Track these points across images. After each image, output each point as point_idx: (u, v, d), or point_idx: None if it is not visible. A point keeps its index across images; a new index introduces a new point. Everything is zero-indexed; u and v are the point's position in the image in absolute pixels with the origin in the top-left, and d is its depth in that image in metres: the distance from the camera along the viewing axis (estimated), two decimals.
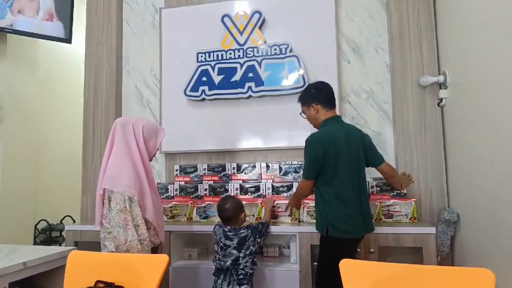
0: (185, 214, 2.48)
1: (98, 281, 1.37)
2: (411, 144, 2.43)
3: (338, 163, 1.80)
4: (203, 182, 2.64)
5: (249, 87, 2.67)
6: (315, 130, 2.01)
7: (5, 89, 3.24)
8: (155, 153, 1.88)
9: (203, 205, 2.48)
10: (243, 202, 2.34)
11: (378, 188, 2.35)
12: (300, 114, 2.06)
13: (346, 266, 1.23)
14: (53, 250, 1.88)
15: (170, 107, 2.83)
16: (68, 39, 3.23)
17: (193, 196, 2.60)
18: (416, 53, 2.46)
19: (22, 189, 3.35)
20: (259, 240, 2.02)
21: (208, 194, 2.58)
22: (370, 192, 2.33)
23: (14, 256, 1.77)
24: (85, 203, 2.84)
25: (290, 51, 2.63)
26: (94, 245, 2.27)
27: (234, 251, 1.94)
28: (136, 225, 1.65)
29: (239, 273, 1.92)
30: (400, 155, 2.44)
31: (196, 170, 2.71)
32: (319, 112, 1.94)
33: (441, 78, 2.33)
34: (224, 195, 2.47)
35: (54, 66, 3.79)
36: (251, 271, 1.95)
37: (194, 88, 2.75)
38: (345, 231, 1.78)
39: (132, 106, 2.97)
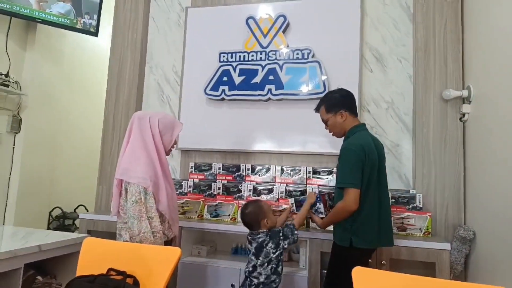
0: (196, 211, 2.49)
1: (110, 269, 1.39)
2: (429, 158, 2.39)
3: (371, 173, 1.74)
4: (217, 181, 2.66)
5: (269, 90, 2.68)
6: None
7: (31, 78, 3.33)
8: (172, 147, 1.91)
9: (215, 203, 2.49)
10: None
11: (393, 200, 2.31)
12: (326, 122, 1.92)
13: (359, 274, 1.22)
14: (68, 235, 1.92)
15: (189, 105, 2.86)
16: (95, 32, 3.30)
17: (206, 194, 2.61)
18: (440, 65, 2.43)
19: (40, 175, 3.43)
20: (282, 244, 1.79)
21: (221, 193, 2.59)
22: None
23: (29, 239, 1.81)
24: (100, 194, 2.89)
25: (312, 57, 2.63)
26: (106, 235, 2.30)
27: (253, 257, 1.79)
28: (150, 217, 1.67)
29: (252, 282, 1.76)
30: (418, 167, 2.40)
31: (210, 168, 2.72)
32: (346, 120, 1.86)
33: (465, 93, 2.29)
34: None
35: (79, 59, 3.88)
36: (265, 280, 1.74)
37: (215, 88, 2.78)
38: (370, 241, 1.74)
39: (152, 102, 3.01)
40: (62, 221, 3.58)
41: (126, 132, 1.82)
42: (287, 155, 2.66)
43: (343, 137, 1.92)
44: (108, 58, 3.09)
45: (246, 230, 1.88)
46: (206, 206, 2.50)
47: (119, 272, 1.37)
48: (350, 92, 1.94)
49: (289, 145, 2.64)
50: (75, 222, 3.67)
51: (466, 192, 2.30)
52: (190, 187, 2.66)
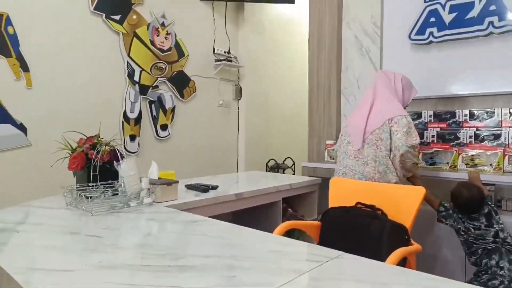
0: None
1: (358, 203, 1.62)
2: None
3: None
4: (428, 129, 2.59)
5: (490, 23, 2.34)
6: None
7: (244, 52, 3.95)
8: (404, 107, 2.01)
9: (430, 151, 2.45)
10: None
11: None
12: None
13: None
14: (307, 178, 2.32)
15: (391, 54, 2.82)
16: (292, 0, 3.60)
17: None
18: None
19: (259, 133, 4.14)
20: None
21: (436, 141, 2.52)
22: None
23: (280, 180, 2.28)
24: (312, 146, 3.27)
25: None
26: (324, 180, 2.64)
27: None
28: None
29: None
30: None
31: (420, 117, 2.66)
32: None
33: None
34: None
35: (278, 27, 4.32)
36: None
37: (420, 31, 2.63)
38: None
39: (351, 56, 3.11)
40: (276, 170, 4.24)
41: (369, 89, 2.03)
42: None
43: None
44: (303, 22, 3.33)
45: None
46: (420, 154, 2.49)
47: (367, 205, 1.59)
48: None
49: None
50: (285, 171, 4.28)
51: None
52: None
